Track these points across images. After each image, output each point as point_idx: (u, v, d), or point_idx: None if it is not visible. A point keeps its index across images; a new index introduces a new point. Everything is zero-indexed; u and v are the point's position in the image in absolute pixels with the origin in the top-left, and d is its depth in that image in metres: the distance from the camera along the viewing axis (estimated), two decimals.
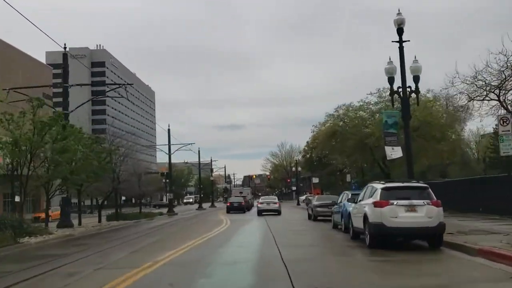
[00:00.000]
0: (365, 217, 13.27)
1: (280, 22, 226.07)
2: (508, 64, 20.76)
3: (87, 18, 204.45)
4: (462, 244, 11.93)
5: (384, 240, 12.78)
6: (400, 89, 18.08)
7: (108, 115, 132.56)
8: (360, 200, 14.93)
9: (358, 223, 14.47)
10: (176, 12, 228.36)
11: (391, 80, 18.59)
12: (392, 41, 18.08)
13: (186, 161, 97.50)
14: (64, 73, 26.69)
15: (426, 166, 40.16)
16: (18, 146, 20.41)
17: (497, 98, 21.75)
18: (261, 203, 40.65)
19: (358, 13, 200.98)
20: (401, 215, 12.30)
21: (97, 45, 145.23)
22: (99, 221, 32.31)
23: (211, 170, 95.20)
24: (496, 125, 58.68)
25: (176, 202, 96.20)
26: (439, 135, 32.28)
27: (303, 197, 68.33)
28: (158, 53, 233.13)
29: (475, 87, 20.30)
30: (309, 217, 29.93)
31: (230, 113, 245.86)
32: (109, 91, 44.64)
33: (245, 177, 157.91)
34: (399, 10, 18.22)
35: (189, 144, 63.84)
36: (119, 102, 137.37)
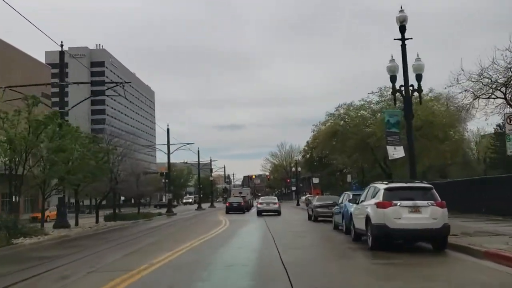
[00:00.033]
0: (368, 218, 12.93)
1: (280, 22, 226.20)
2: None
3: (87, 18, 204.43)
4: (467, 246, 11.65)
5: (387, 242, 12.46)
6: (403, 88, 17.74)
7: (107, 115, 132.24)
8: (362, 201, 14.60)
9: (360, 224, 14.14)
10: (176, 12, 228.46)
11: (393, 79, 18.22)
12: (394, 39, 17.75)
13: (185, 161, 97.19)
14: (61, 71, 26.34)
15: (426, 166, 39.82)
16: (13, 145, 20.03)
17: (503, 96, 21.17)
18: (261, 203, 40.53)
19: (358, 13, 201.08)
20: (405, 216, 11.97)
21: (96, 45, 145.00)
22: (97, 221, 31.97)
23: (211, 170, 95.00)
24: (497, 125, 58.58)
25: (175, 202, 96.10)
26: (442, 135, 31.94)
27: (308, 196, 67.78)
28: (158, 53, 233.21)
29: (481, 84, 19.79)
30: (309, 217, 29.67)
31: (230, 113, 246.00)
32: (107, 89, 44.33)
33: (244, 177, 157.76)
34: (401, 7, 17.86)
35: (188, 144, 63.40)
36: (118, 102, 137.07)
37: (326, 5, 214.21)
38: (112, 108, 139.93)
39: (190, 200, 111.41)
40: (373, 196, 13.30)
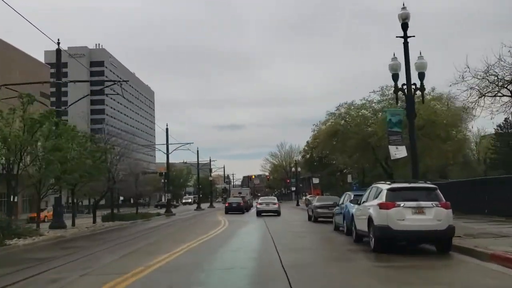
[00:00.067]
0: (370, 220, 12.58)
1: (280, 22, 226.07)
2: None
3: (87, 18, 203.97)
4: (472, 249, 11.30)
5: (390, 244, 12.12)
6: (405, 86, 17.42)
7: (107, 114, 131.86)
8: (363, 202, 14.25)
9: (361, 225, 13.80)
10: (176, 12, 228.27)
11: (395, 77, 17.92)
12: (397, 36, 17.47)
13: (185, 161, 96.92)
14: (58, 70, 25.96)
15: (428, 166, 39.47)
16: (7, 143, 19.64)
17: (510, 94, 20.55)
18: (260, 203, 40.37)
19: (358, 13, 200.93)
20: (408, 217, 11.61)
21: (96, 44, 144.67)
22: (94, 221, 31.58)
23: (210, 170, 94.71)
24: (498, 125, 58.14)
25: (175, 202, 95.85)
26: (444, 135, 31.60)
27: (308, 197, 67.30)
28: (158, 53, 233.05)
29: (487, 82, 19.24)
30: (309, 218, 29.41)
31: (230, 113, 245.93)
32: (105, 87, 43.95)
33: (244, 177, 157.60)
34: (403, 5, 17.55)
35: (188, 143, 63.02)
36: (118, 102, 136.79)
37: (326, 5, 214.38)
38: (111, 108, 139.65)
39: (190, 200, 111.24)
40: (376, 197, 12.93)
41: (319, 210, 27.27)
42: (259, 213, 37.70)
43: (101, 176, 28.21)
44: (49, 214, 38.39)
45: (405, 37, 17.29)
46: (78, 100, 28.06)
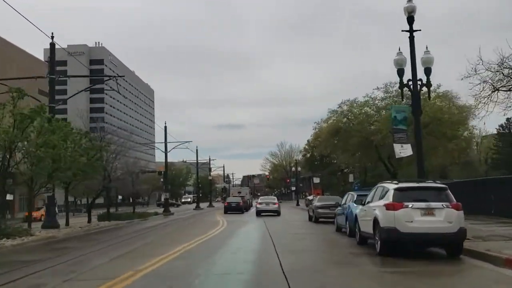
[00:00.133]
0: (375, 221, 11.85)
1: (280, 22, 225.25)
2: None
3: (87, 18, 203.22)
4: (484, 253, 10.64)
5: (396, 247, 11.40)
6: (411, 82, 16.72)
7: (106, 113, 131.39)
8: (368, 202, 13.52)
9: (366, 227, 13.08)
10: (176, 12, 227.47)
11: (400, 72, 17.19)
12: (402, 31, 16.83)
13: (184, 160, 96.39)
14: (52, 64, 25.23)
15: (433, 165, 38.78)
16: None
17: None
18: (260, 203, 40.02)
19: (358, 13, 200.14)
20: (417, 219, 10.90)
21: (95, 43, 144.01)
22: (89, 221, 30.82)
23: (209, 170, 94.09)
24: (499, 125, 57.30)
25: (176, 201, 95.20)
26: (450, 133, 30.82)
27: (309, 197, 66.33)
28: (158, 53, 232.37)
29: (501, 75, 18.38)
30: (310, 218, 28.79)
31: (230, 113, 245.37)
32: (101, 83, 43.33)
33: (244, 177, 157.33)
34: None
35: (186, 142, 62.52)
36: (117, 100, 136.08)
37: (326, 5, 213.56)
38: (110, 106, 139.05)
39: (189, 200, 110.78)
40: (382, 197, 12.20)
41: (320, 210, 26.65)
42: (259, 213, 37.27)
43: (96, 174, 27.46)
44: (45, 213, 37.72)
45: (411, 31, 16.63)
46: (74, 94, 27.34)
